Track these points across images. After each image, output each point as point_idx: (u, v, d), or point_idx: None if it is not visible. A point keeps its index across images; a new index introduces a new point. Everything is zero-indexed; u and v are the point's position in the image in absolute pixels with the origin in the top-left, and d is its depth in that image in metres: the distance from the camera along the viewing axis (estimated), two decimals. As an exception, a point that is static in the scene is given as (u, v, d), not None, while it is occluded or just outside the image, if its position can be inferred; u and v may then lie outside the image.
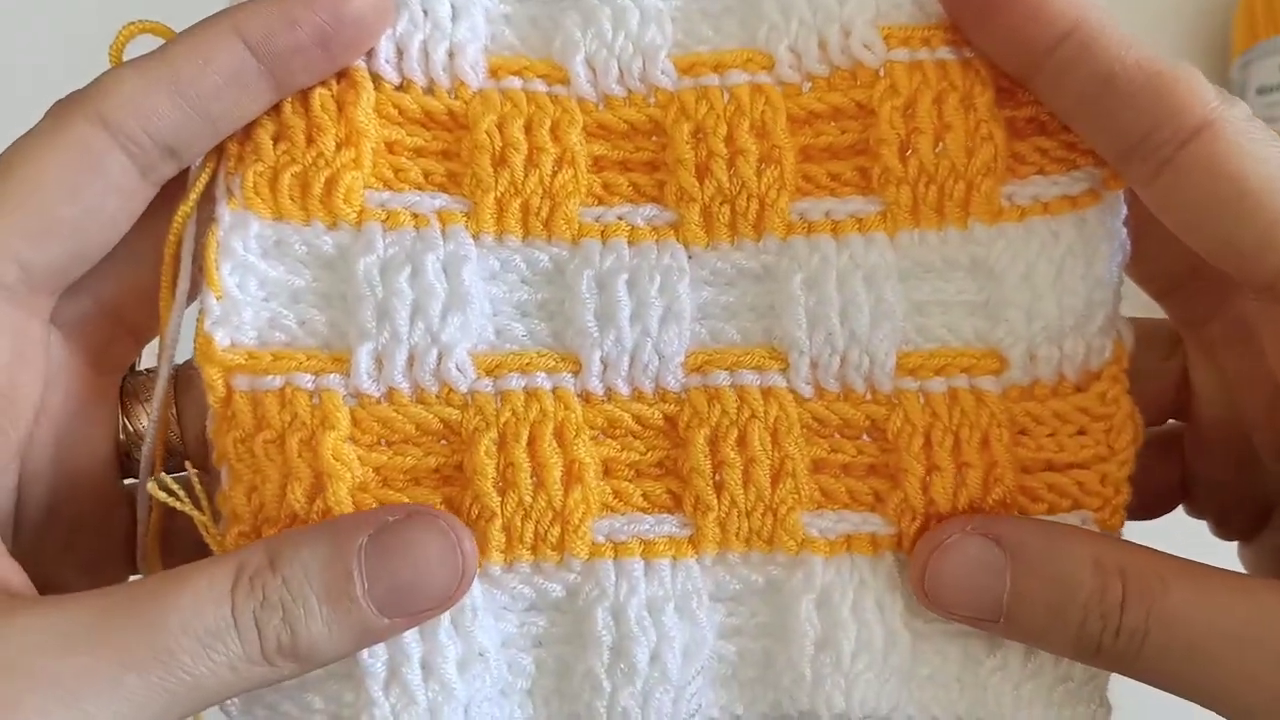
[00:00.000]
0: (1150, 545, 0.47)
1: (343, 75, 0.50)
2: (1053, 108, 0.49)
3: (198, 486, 0.50)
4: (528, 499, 0.49)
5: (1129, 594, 0.45)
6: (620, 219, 0.51)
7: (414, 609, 0.46)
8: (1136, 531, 0.50)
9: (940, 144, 0.49)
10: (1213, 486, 0.56)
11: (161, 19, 0.49)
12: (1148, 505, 0.52)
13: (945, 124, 0.49)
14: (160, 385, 0.50)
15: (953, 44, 0.50)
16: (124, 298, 0.50)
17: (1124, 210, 0.50)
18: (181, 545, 0.51)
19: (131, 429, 0.52)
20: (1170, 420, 0.56)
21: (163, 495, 0.49)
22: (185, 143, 0.47)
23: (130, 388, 0.53)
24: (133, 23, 0.49)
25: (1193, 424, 0.55)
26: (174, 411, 0.52)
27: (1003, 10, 0.47)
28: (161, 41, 0.47)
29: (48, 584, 0.47)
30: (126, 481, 0.53)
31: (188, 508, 0.49)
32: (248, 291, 0.49)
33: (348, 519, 0.47)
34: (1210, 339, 0.53)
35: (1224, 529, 0.57)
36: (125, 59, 0.48)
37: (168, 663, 0.42)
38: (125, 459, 0.52)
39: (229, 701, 0.48)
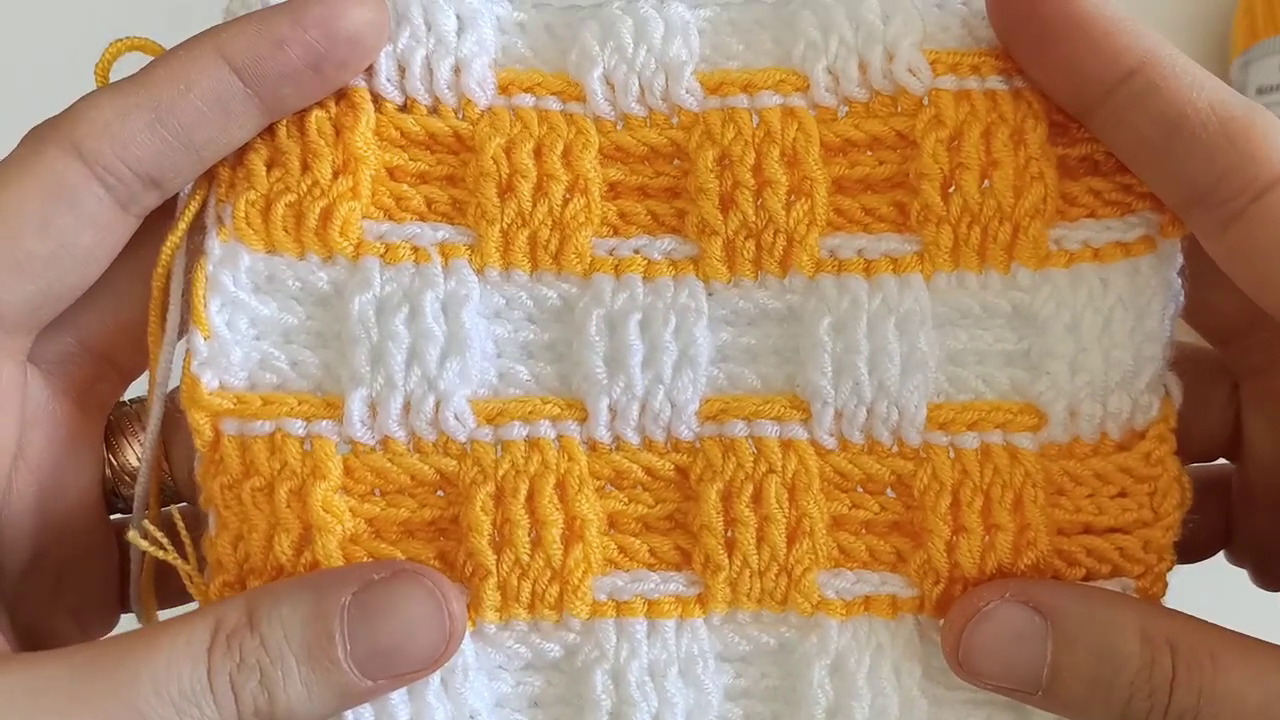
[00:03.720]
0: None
1: (341, 96, 0.46)
2: (1112, 148, 0.45)
3: (183, 531, 0.47)
4: (524, 557, 0.46)
5: (1179, 671, 0.42)
6: (636, 252, 0.47)
7: (397, 671, 0.43)
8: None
9: (987, 181, 0.46)
10: (1257, 535, 0.53)
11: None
12: (1188, 550, 0.49)
13: (993, 160, 0.45)
14: (152, 429, 0.48)
15: (1004, 73, 0.46)
16: (108, 334, 0.48)
17: (1180, 260, 0.47)
18: (176, 584, 0.49)
19: (117, 465, 0.49)
20: (1220, 459, 0.54)
21: (144, 545, 0.47)
22: (167, 173, 0.44)
23: (115, 422, 0.50)
24: (120, 39, 0.46)
25: (1242, 469, 0.53)
26: (162, 448, 0.50)
27: (1063, 41, 0.43)
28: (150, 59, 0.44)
29: (37, 630, 0.46)
30: (114, 517, 0.50)
31: (171, 557, 0.47)
32: (237, 330, 0.46)
33: (331, 574, 0.44)
34: (1272, 390, 0.50)
35: (1265, 579, 0.54)
36: (113, 78, 0.45)
37: None
38: (112, 496, 0.50)
39: None
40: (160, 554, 0.47)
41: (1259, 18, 0.95)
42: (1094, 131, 0.45)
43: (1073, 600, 0.44)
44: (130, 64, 0.45)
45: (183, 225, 0.46)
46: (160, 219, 0.46)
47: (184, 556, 0.47)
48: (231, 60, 0.42)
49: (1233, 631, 0.43)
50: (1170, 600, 0.47)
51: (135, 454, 0.49)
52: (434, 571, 0.45)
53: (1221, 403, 0.52)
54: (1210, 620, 0.44)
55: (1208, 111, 0.42)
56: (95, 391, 0.49)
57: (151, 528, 0.47)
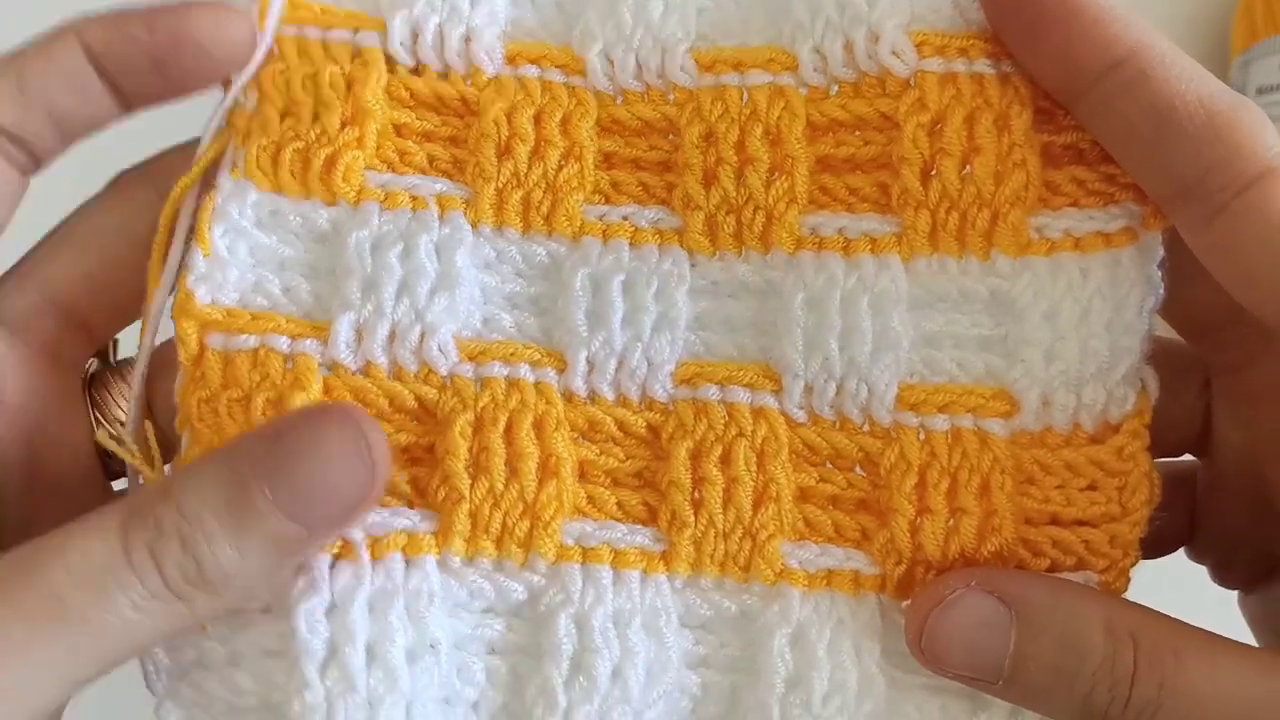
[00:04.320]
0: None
1: (357, 54, 0.49)
2: (1098, 136, 0.45)
3: (154, 448, 0.48)
4: (499, 486, 0.46)
5: (1141, 664, 0.42)
6: (625, 219, 0.49)
7: (327, 511, 0.42)
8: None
9: (967, 167, 0.46)
10: (1221, 533, 0.53)
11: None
12: (1150, 545, 0.49)
13: (975, 146, 0.46)
14: (143, 351, 0.49)
15: (992, 56, 0.46)
16: (73, 290, 0.49)
17: (1161, 253, 0.46)
18: None
19: (104, 419, 0.50)
20: (1186, 455, 0.53)
21: (112, 444, 0.48)
22: (30, 137, 0.46)
23: (97, 386, 0.51)
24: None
25: (1210, 466, 0.52)
26: (146, 406, 0.50)
27: (1055, 26, 0.43)
28: None
29: None
30: (115, 486, 0.51)
31: (138, 461, 0.48)
32: (236, 255, 0.48)
33: (243, 435, 0.44)
34: (1245, 387, 0.49)
35: (1224, 576, 0.54)
36: None
37: (61, 612, 0.39)
38: (105, 458, 0.50)
39: (153, 676, 0.47)
40: (130, 458, 0.47)
41: (1259, 18, 0.94)
42: (1080, 119, 0.45)
43: (1038, 590, 0.44)
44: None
45: (197, 168, 0.48)
46: (124, 183, 0.49)
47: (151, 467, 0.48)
48: (87, 46, 0.45)
49: (1196, 628, 0.43)
50: (1131, 595, 0.46)
51: (120, 406, 0.50)
52: (350, 404, 0.45)
53: (1192, 398, 0.51)
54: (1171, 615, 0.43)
55: (1196, 104, 0.42)
56: (65, 349, 0.49)
57: (123, 432, 0.48)
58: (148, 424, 0.49)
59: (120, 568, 0.40)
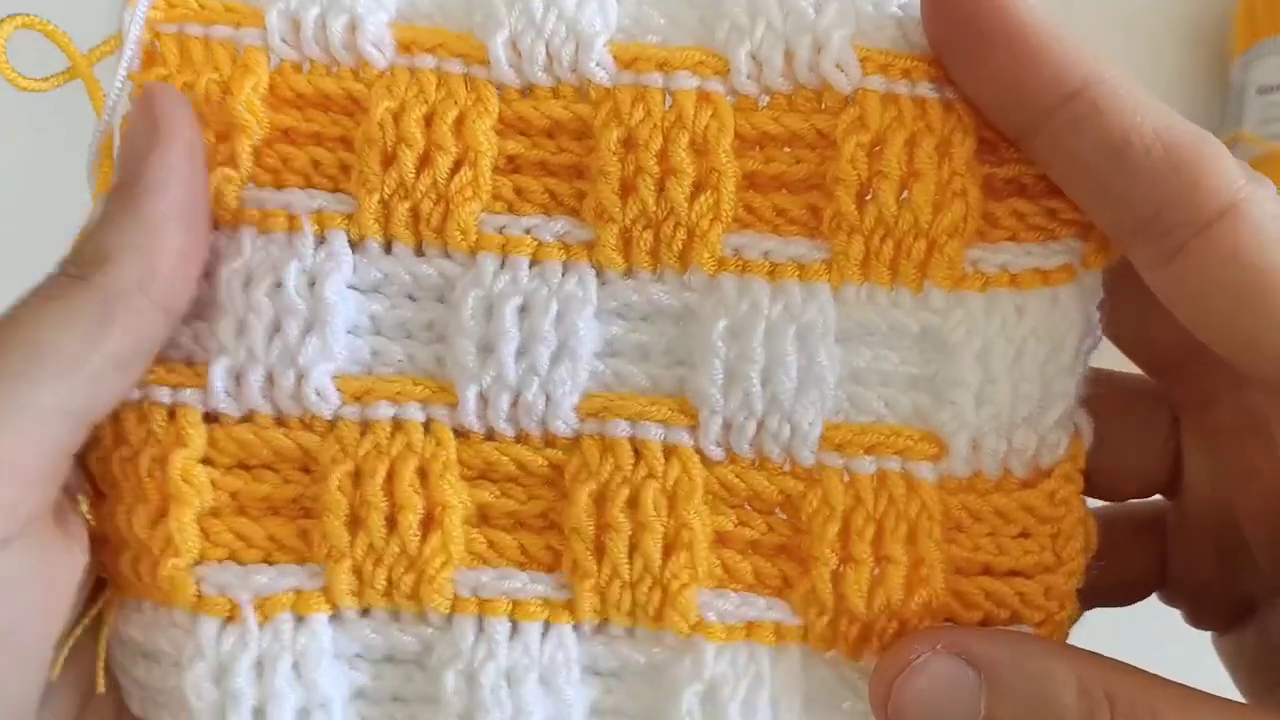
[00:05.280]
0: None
1: (237, 55, 0.44)
2: (1049, 171, 0.42)
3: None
4: (379, 542, 0.43)
5: None
6: (527, 232, 0.44)
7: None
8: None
9: (905, 193, 0.43)
10: (1194, 576, 0.51)
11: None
12: (1121, 592, 0.47)
13: (915, 171, 0.42)
14: None
15: (935, 80, 0.43)
16: None
17: (1100, 294, 0.44)
18: None
19: None
20: (1156, 495, 0.51)
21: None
22: None
23: None
24: (11, 16, 0.44)
25: (1180, 505, 0.50)
26: None
27: (1000, 55, 0.40)
28: (42, 38, 0.43)
29: None
30: None
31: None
32: None
33: None
34: (1212, 424, 0.47)
35: (1198, 619, 0.52)
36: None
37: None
38: None
39: None
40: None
41: (1259, 18, 0.94)
42: (1030, 153, 0.42)
43: (1006, 651, 0.42)
44: (21, 42, 0.43)
45: (100, 180, 0.44)
46: None
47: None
48: None
49: (1173, 683, 0.41)
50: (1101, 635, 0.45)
51: None
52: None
53: (1160, 437, 0.49)
54: (1142, 661, 0.42)
55: (1152, 136, 0.39)
56: None
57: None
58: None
59: None
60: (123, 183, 0.42)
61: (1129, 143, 0.39)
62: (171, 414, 0.43)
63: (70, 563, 0.43)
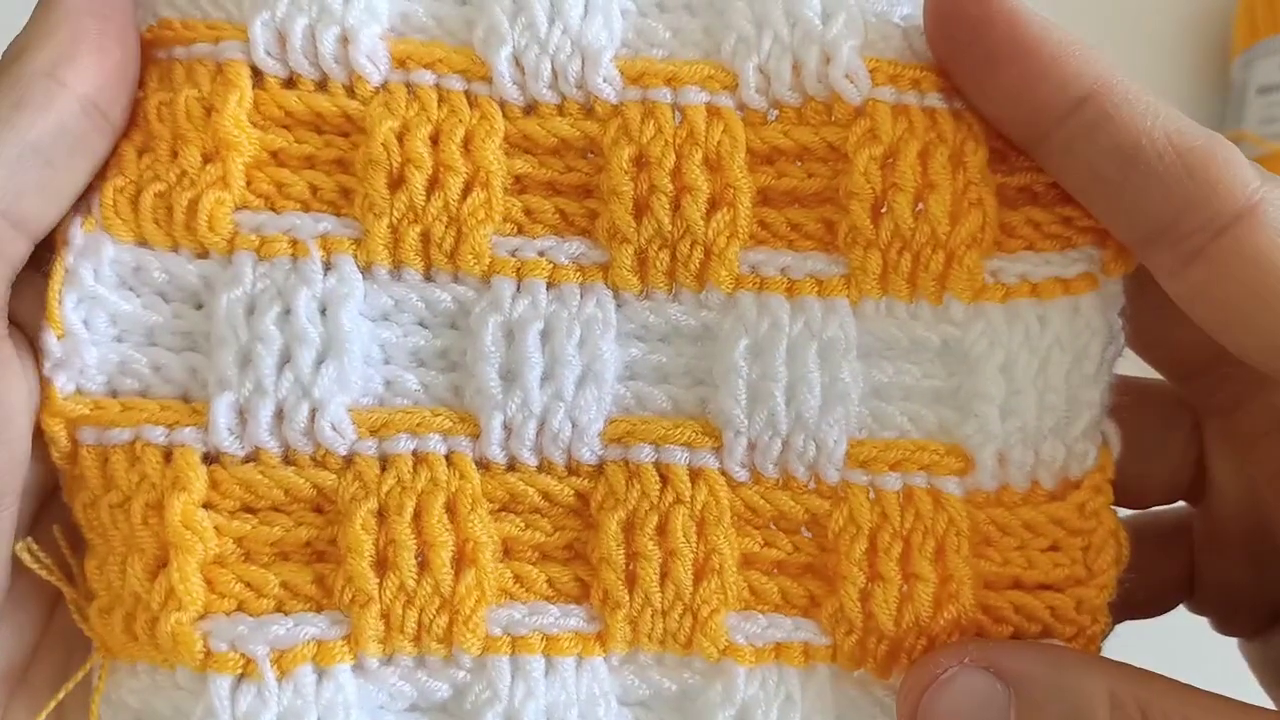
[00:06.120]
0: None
1: (218, 71, 0.41)
2: (1060, 180, 0.42)
3: (66, 552, 0.43)
4: (410, 582, 0.41)
5: None
6: (541, 254, 0.43)
7: None
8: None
9: (920, 205, 0.42)
10: (1221, 583, 0.50)
11: None
12: (1148, 603, 0.47)
13: (930, 182, 0.42)
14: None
15: (944, 91, 0.42)
16: None
17: (1122, 301, 0.43)
18: None
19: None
20: (1180, 502, 0.51)
21: (29, 560, 0.42)
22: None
23: None
24: None
25: (1206, 513, 0.50)
26: None
27: (1008, 65, 0.40)
28: None
29: None
30: None
31: (56, 579, 0.42)
32: (95, 329, 0.41)
33: None
34: (1239, 427, 0.47)
35: (1227, 627, 0.52)
36: None
37: None
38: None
39: None
40: (44, 574, 0.42)
41: (1259, 18, 0.95)
42: (1041, 163, 0.42)
43: (1037, 665, 0.41)
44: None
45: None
46: None
47: (71, 581, 0.43)
48: None
49: (1205, 693, 0.40)
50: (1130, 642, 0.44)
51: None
52: None
53: (1182, 442, 0.49)
54: (1171, 667, 0.41)
55: (1164, 141, 0.39)
56: None
57: (36, 549, 0.42)
58: (58, 532, 0.43)
59: None
60: None
61: (1140, 146, 0.39)
62: (168, 455, 0.41)
63: (5, 382, 0.41)
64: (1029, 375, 0.43)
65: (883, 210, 0.42)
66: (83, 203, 0.41)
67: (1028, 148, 0.42)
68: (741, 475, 0.43)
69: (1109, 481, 0.44)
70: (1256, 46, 0.94)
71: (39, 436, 0.41)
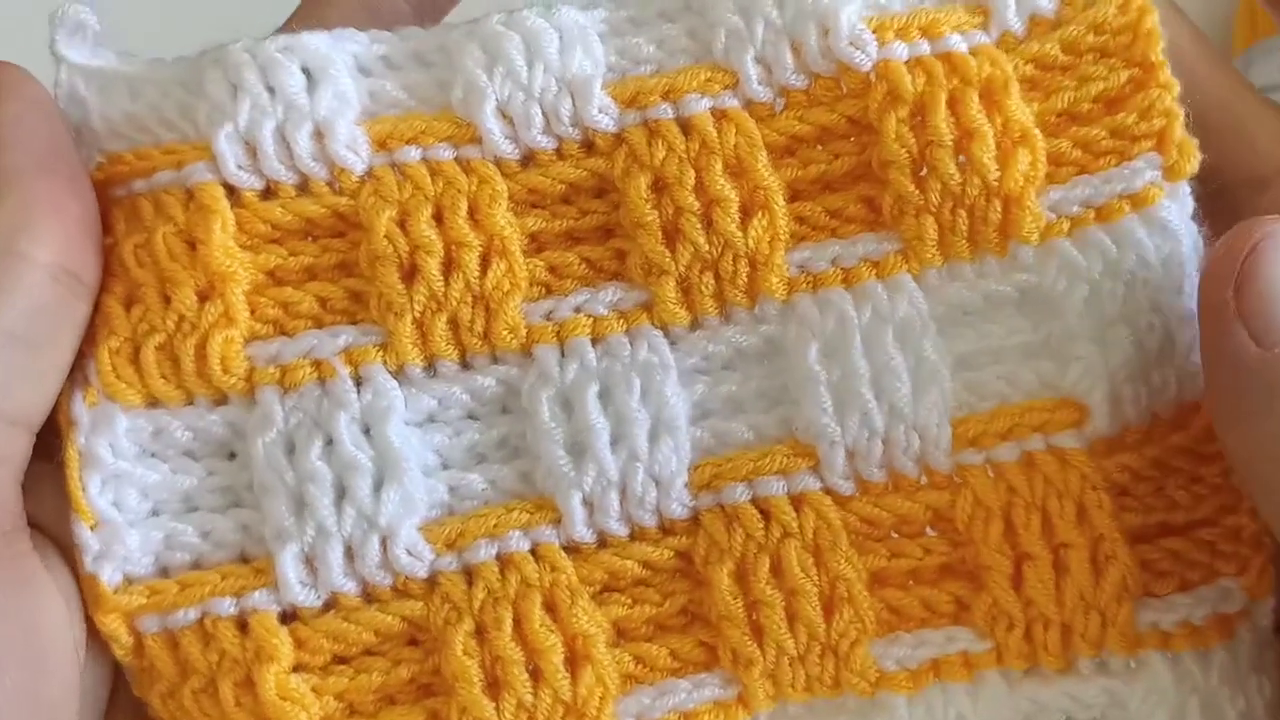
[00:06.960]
0: None
1: (190, 198, 0.38)
2: None
3: None
4: (528, 698, 0.38)
5: None
6: (578, 310, 0.40)
7: None
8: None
9: (963, 157, 0.39)
10: None
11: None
12: None
13: (966, 130, 0.39)
14: None
15: (960, 28, 0.40)
16: None
17: (1192, 203, 0.41)
18: None
19: None
20: None
21: None
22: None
23: None
24: None
25: None
26: None
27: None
28: None
29: None
30: None
31: None
32: (128, 508, 0.39)
33: None
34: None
35: None
36: None
37: None
38: None
39: None
40: None
41: (1259, 17, 0.95)
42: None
43: None
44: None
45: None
46: None
47: None
48: None
49: None
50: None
51: None
52: None
53: None
54: None
55: None
56: None
57: None
58: None
59: None
60: None
61: None
62: (242, 625, 0.38)
63: (40, 606, 0.37)
64: (1117, 303, 0.40)
65: (923, 172, 0.39)
66: (78, 374, 0.38)
67: None
68: (847, 489, 0.40)
69: None
70: (1256, 46, 0.94)
71: (93, 635, 0.38)
